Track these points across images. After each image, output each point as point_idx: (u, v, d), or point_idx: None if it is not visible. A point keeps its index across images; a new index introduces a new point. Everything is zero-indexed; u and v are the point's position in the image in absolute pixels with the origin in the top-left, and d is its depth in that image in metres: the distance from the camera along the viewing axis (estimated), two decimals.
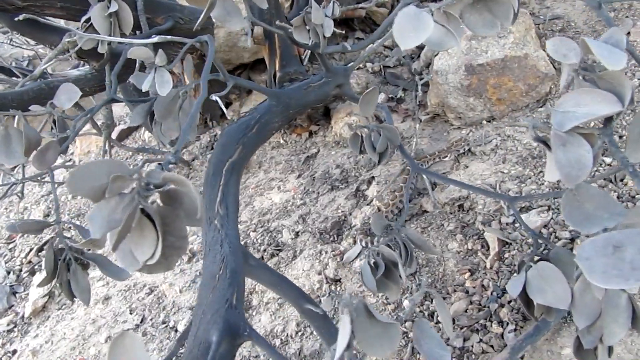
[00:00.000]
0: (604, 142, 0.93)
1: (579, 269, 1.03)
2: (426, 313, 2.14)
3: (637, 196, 2.11)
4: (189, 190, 0.87)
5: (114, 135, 4.14)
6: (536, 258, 1.19)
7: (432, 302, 2.15)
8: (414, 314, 2.13)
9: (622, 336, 0.98)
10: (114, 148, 4.03)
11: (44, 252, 3.78)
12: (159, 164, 0.99)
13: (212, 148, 3.89)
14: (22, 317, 3.29)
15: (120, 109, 4.89)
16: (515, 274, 1.22)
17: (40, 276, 3.47)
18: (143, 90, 1.58)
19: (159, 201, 0.90)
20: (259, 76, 4.03)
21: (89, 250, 1.53)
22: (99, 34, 1.82)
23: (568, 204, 0.95)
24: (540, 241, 1.43)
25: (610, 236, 0.77)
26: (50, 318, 3.18)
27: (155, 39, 1.58)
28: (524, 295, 1.18)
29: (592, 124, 1.92)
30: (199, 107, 1.30)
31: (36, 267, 3.67)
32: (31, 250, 3.82)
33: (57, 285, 1.51)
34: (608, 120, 0.93)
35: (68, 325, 3.05)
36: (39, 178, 2.92)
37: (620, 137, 2.32)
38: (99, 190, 0.84)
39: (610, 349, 1.08)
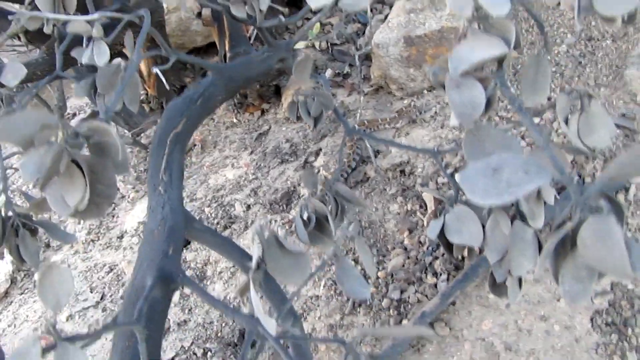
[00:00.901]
0: (496, 83, 1.02)
1: (487, 209, 1.13)
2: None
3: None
4: (114, 139, 0.95)
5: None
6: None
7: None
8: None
9: (529, 267, 1.06)
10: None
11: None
12: (94, 111, 1.06)
13: None
14: None
15: (80, 100, 4.90)
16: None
17: (2, 263, 3.50)
18: (82, 63, 1.64)
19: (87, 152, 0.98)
20: (212, 59, 4.09)
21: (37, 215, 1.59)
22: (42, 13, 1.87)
23: (468, 143, 1.03)
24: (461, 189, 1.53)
25: (489, 160, 0.86)
26: (13, 303, 3.22)
27: (95, 15, 1.64)
28: (444, 238, 1.28)
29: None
30: (133, 71, 1.37)
31: None
32: None
33: (7, 251, 1.57)
34: (499, 63, 1.02)
35: (30, 308, 3.09)
36: None
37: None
38: (28, 138, 0.92)
39: (520, 281, 1.18)
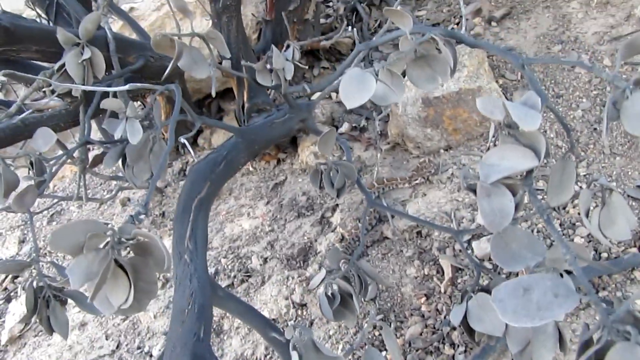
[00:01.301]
0: (524, 191, 1.06)
1: None
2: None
3: (577, 223, 2.27)
4: (157, 243, 0.99)
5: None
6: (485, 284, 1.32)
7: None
8: (371, 339, 2.26)
9: (550, 359, 1.10)
10: (88, 174, 4.11)
11: (19, 279, 3.84)
12: (130, 216, 1.11)
13: (184, 174, 3.99)
14: None
15: (94, 134, 4.96)
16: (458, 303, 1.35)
17: (16, 303, 3.53)
18: (115, 138, 1.70)
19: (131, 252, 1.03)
20: (229, 104, 4.14)
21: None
22: (73, 79, 1.93)
23: (496, 245, 1.07)
24: (483, 270, 1.57)
25: (520, 280, 0.90)
26: (27, 345, 3.24)
27: (126, 87, 1.69)
28: (466, 323, 1.32)
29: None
30: (167, 156, 1.42)
31: (12, 294, 3.72)
32: (6, 277, 3.86)
33: (37, 320, 1.61)
34: (528, 172, 1.06)
35: (45, 352, 3.11)
36: (10, 210, 2.99)
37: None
38: (77, 247, 0.96)
39: None
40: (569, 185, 1.13)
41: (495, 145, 1.14)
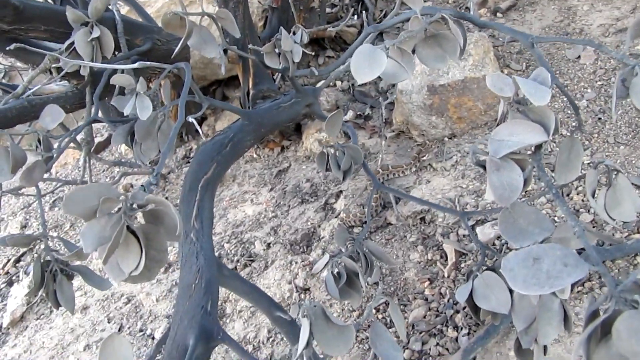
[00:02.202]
0: (533, 166, 1.07)
1: None
2: (389, 319, 2.28)
3: (580, 209, 2.28)
4: (170, 210, 1.00)
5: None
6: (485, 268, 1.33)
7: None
8: (372, 320, 2.27)
9: (554, 336, 1.11)
10: (92, 160, 4.12)
11: (21, 262, 3.85)
12: (142, 185, 1.11)
13: (188, 161, 4.00)
14: (0, 327, 3.35)
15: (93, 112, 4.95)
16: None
17: (18, 287, 3.54)
18: (125, 114, 1.70)
19: (142, 219, 1.03)
20: (234, 92, 4.15)
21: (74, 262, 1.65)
22: (82, 57, 1.93)
23: (504, 220, 1.08)
24: (488, 252, 1.58)
25: (530, 250, 0.91)
26: (29, 328, 3.26)
27: (135, 64, 1.70)
28: (471, 301, 1.32)
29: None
30: (176, 132, 1.42)
31: (14, 277, 3.73)
32: (8, 261, 3.87)
33: (44, 294, 1.62)
34: (537, 147, 1.06)
35: (47, 335, 3.13)
36: (18, 191, 3.00)
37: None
38: (90, 211, 0.97)
39: (545, 348, 1.21)
40: (576, 164, 1.14)
41: (504, 120, 1.15)
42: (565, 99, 2.97)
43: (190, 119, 1.93)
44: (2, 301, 3.58)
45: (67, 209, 0.95)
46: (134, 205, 1.00)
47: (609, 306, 0.88)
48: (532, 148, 1.07)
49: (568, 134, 2.70)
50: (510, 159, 1.05)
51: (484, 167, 1.08)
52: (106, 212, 0.98)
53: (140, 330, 2.88)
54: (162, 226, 1.03)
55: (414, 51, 1.37)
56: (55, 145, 1.85)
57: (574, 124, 2.70)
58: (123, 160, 4.19)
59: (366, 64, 1.19)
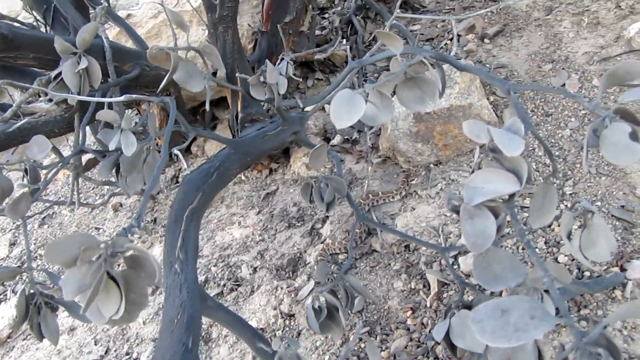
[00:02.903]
0: (507, 213, 1.10)
1: None
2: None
3: (561, 241, 2.31)
4: (148, 257, 1.02)
5: None
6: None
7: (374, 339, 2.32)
8: (356, 351, 2.30)
9: None
10: (80, 179, 4.12)
11: (8, 283, 3.85)
12: (124, 229, 1.14)
13: (177, 182, 4.02)
14: None
15: (88, 138, 4.97)
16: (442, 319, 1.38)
17: (5, 306, 3.54)
18: (110, 149, 1.72)
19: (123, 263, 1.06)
20: (223, 113, 4.17)
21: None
22: (69, 87, 1.95)
23: (478, 265, 1.10)
24: (468, 287, 1.61)
25: (499, 302, 0.93)
26: (15, 348, 3.25)
27: (122, 98, 1.72)
28: (448, 339, 1.35)
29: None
30: (160, 171, 1.45)
31: (0, 296, 3.73)
32: None
33: (28, 327, 1.64)
34: (511, 195, 1.09)
35: (33, 356, 3.13)
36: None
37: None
38: (71, 259, 0.99)
39: None
40: (550, 209, 1.17)
41: (479, 167, 1.17)
42: (552, 123, 3.02)
43: (175, 151, 1.96)
44: None
45: (49, 258, 0.97)
46: (115, 252, 1.02)
47: (574, 358, 0.90)
48: (506, 196, 1.09)
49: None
50: (484, 207, 1.07)
51: (459, 213, 1.11)
52: (87, 260, 1.00)
53: (127, 354, 2.89)
54: (142, 271, 1.05)
55: (394, 92, 1.40)
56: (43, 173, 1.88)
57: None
58: (112, 179, 4.20)
59: (345, 110, 1.22)
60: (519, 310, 0.91)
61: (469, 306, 1.36)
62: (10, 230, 4.38)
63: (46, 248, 0.96)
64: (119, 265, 1.03)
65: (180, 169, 4.09)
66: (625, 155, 0.99)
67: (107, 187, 4.31)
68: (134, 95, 1.76)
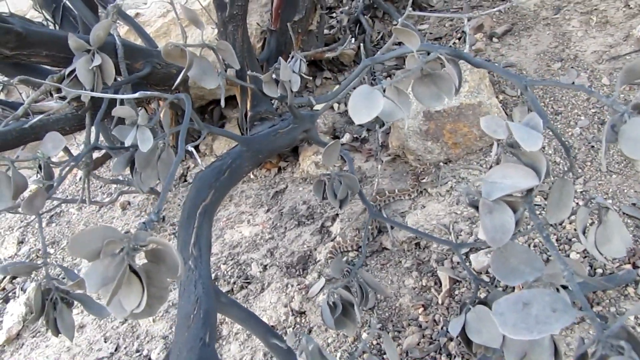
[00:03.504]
0: (525, 208, 1.10)
1: None
2: (382, 346, 2.31)
3: (573, 239, 2.31)
4: (170, 250, 1.03)
5: None
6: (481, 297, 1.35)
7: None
8: (369, 348, 2.30)
9: None
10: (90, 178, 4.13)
11: (17, 279, 3.86)
12: (143, 223, 1.14)
13: (185, 180, 4.03)
14: None
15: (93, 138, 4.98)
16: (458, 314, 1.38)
17: (14, 304, 3.55)
18: (126, 145, 1.73)
19: (143, 258, 1.06)
20: (232, 111, 4.18)
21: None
22: (83, 84, 1.96)
23: (496, 259, 1.10)
24: (481, 284, 1.61)
25: (521, 295, 0.94)
26: (25, 346, 3.26)
27: (136, 94, 1.72)
28: (464, 334, 1.35)
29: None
30: (177, 166, 1.45)
31: (10, 294, 3.74)
32: (4, 278, 3.88)
33: (44, 322, 1.64)
34: (529, 190, 1.10)
35: (42, 353, 3.14)
36: (16, 210, 3.01)
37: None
38: (94, 252, 1.00)
39: None
40: (567, 204, 1.17)
41: (497, 162, 1.18)
42: (561, 121, 3.02)
43: (190, 147, 1.97)
44: None
45: (72, 250, 0.98)
46: (137, 246, 1.03)
47: (596, 350, 0.91)
48: (524, 191, 1.10)
49: (562, 162, 2.74)
50: (502, 201, 1.08)
51: (477, 208, 1.11)
52: (109, 253, 1.00)
53: (137, 351, 2.89)
54: (164, 265, 1.05)
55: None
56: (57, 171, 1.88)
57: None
58: (120, 178, 4.22)
59: (363, 105, 1.22)
60: (541, 303, 0.91)
61: (484, 302, 1.37)
62: (18, 228, 4.39)
63: (70, 241, 0.97)
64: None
65: (188, 168, 4.10)
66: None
67: (114, 185, 4.33)
68: (148, 92, 1.77)
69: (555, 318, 0.89)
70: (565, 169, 2.69)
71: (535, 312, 0.91)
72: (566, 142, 2.81)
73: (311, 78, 4.20)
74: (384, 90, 1.26)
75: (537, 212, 2.39)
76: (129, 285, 1.02)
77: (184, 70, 1.71)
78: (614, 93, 1.07)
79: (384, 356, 2.21)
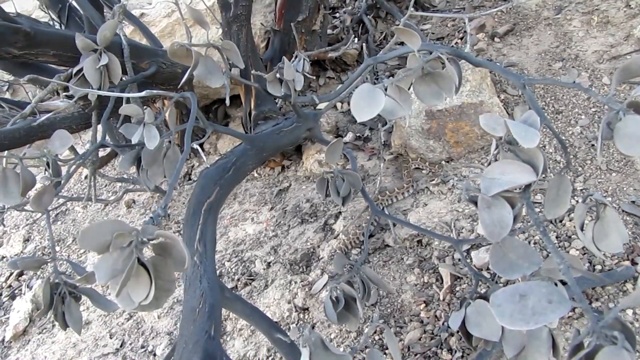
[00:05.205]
0: (523, 204, 1.13)
1: None
2: (385, 340, 2.33)
3: (572, 236, 2.34)
4: (178, 244, 1.06)
5: None
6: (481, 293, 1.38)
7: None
8: (371, 343, 2.33)
9: None
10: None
11: (24, 276, 3.89)
12: (150, 217, 1.17)
13: (189, 178, 4.06)
14: (3, 340, 3.39)
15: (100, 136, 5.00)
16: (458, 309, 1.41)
17: (21, 300, 3.58)
18: (133, 142, 1.76)
19: (151, 251, 1.09)
20: (236, 111, 4.21)
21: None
22: (90, 83, 1.99)
23: (494, 254, 1.13)
24: (481, 279, 1.64)
25: (517, 287, 0.96)
26: (31, 342, 3.29)
27: (143, 93, 1.75)
28: (464, 328, 1.38)
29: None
30: (183, 164, 1.49)
31: (17, 291, 3.77)
32: (11, 274, 3.90)
33: (52, 316, 1.68)
34: (527, 186, 1.12)
35: (49, 349, 3.17)
36: (22, 207, 3.04)
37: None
38: (104, 245, 1.03)
39: None
40: (565, 200, 1.20)
41: (496, 159, 1.20)
42: (562, 120, 3.04)
43: (195, 145, 1.99)
44: (4, 314, 3.61)
45: (82, 243, 1.01)
46: (145, 239, 1.06)
47: (591, 340, 0.93)
48: (522, 186, 1.12)
49: (562, 160, 2.76)
50: (500, 197, 1.10)
51: (476, 204, 1.14)
52: (119, 246, 1.03)
53: (142, 347, 2.92)
54: (171, 258, 1.08)
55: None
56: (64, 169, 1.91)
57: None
58: (125, 176, 4.25)
59: (365, 103, 1.25)
60: (537, 295, 0.94)
61: (484, 297, 1.39)
62: (24, 226, 4.43)
63: (80, 234, 1.00)
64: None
65: (192, 166, 4.13)
66: (638, 146, 1.02)
67: (119, 184, 4.36)
68: (154, 91, 1.80)
69: (551, 309, 0.92)
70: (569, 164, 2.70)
71: (532, 304, 0.93)
72: (566, 141, 2.84)
73: (314, 77, 4.23)
74: (386, 89, 1.29)
75: (538, 210, 2.44)
76: (137, 277, 1.05)
77: (190, 68, 1.73)
78: (610, 91, 1.10)
79: (386, 351, 2.24)
